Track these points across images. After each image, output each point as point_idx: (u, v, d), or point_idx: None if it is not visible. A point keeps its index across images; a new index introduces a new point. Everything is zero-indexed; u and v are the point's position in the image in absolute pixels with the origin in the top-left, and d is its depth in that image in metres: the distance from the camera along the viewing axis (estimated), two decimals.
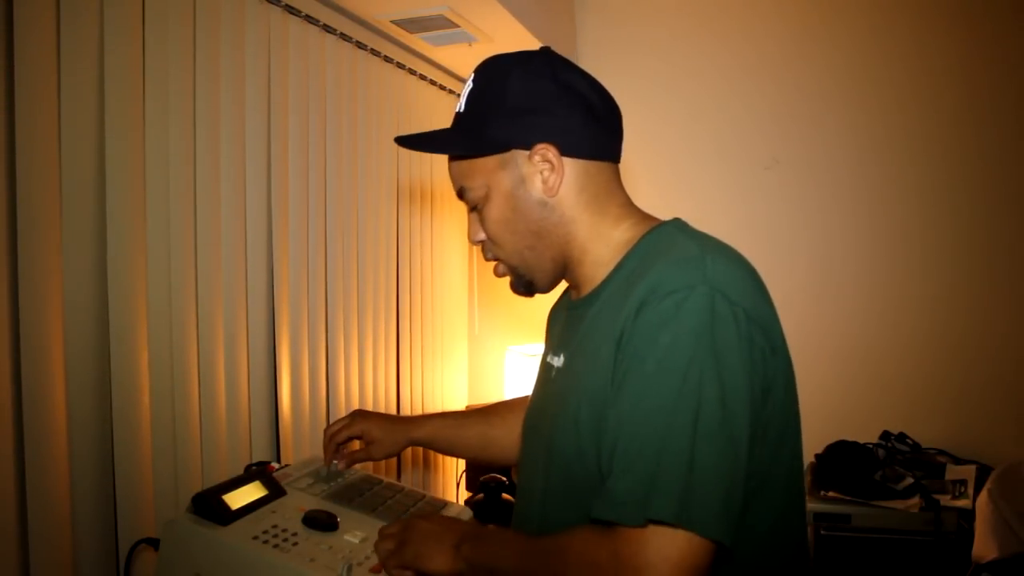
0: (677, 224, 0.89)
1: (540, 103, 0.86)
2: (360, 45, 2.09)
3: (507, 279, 0.97)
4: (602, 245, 0.89)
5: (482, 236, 0.93)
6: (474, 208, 0.92)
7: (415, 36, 2.23)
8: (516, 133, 0.86)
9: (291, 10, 1.80)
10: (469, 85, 0.91)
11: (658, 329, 0.72)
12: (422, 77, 2.45)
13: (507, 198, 0.88)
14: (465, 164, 0.90)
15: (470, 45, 2.31)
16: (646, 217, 0.92)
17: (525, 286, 0.95)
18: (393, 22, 2.11)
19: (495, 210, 0.89)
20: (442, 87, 2.56)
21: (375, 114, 2.20)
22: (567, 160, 0.86)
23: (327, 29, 1.95)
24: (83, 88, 1.28)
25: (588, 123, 0.87)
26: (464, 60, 2.50)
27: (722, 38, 2.60)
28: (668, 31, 2.68)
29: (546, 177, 0.86)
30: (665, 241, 0.84)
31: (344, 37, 2.02)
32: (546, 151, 0.85)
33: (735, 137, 2.59)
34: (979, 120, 2.31)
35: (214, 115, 1.57)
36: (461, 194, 0.93)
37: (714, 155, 2.63)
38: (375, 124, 2.20)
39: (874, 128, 2.43)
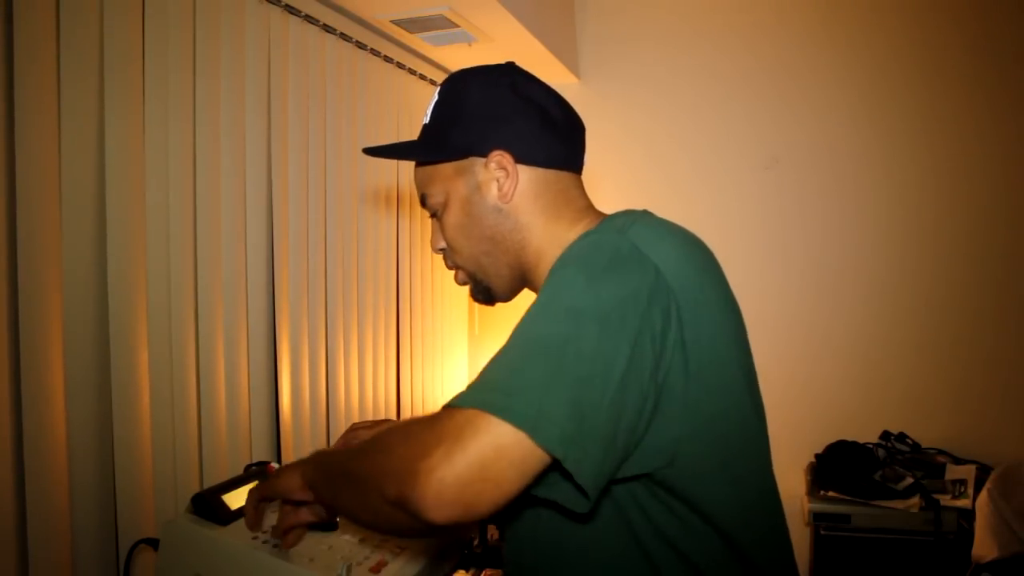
0: (633, 210, 0.88)
1: (497, 111, 0.88)
2: (360, 45, 2.09)
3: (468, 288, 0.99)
4: (556, 248, 0.88)
5: (443, 244, 0.95)
6: (434, 215, 0.95)
7: (415, 36, 2.23)
8: (473, 140, 0.88)
9: (291, 10, 1.80)
10: (434, 98, 0.93)
11: (559, 267, 0.74)
12: (422, 77, 2.45)
13: (463, 204, 0.90)
14: (427, 171, 0.93)
15: (470, 45, 2.31)
16: (605, 215, 0.91)
17: (484, 293, 0.96)
18: (393, 22, 2.12)
19: (452, 216, 0.91)
20: None
21: (375, 114, 2.20)
22: (522, 167, 0.88)
23: (327, 29, 1.95)
24: (83, 88, 1.28)
25: (545, 133, 0.88)
26: (464, 60, 2.49)
27: (722, 37, 2.60)
28: (668, 31, 2.68)
29: (501, 183, 0.88)
30: (607, 219, 0.86)
31: (344, 37, 2.02)
32: (501, 158, 0.87)
33: (735, 136, 2.59)
34: (980, 120, 2.31)
35: (214, 115, 1.57)
36: (423, 201, 0.95)
37: (714, 154, 2.63)
38: (375, 124, 2.20)
39: (875, 127, 2.43)
